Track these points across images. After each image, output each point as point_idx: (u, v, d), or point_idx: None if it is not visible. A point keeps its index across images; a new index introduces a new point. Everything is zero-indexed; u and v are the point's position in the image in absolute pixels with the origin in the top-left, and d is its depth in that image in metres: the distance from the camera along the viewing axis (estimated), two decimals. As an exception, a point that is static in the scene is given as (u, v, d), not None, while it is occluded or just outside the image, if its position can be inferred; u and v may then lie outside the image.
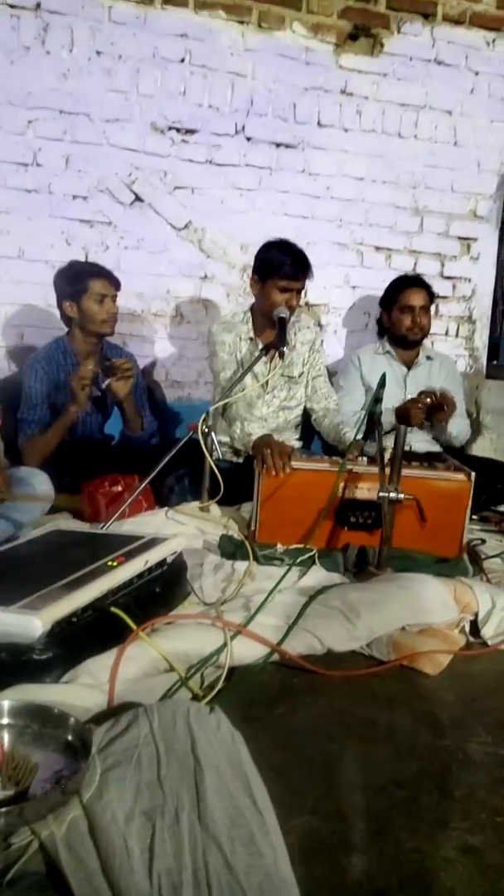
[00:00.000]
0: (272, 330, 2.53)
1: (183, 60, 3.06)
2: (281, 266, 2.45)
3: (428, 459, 2.32)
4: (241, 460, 2.60)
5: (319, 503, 1.98)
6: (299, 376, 2.66)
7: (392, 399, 2.79)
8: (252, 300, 2.68)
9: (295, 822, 0.99)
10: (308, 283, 2.56)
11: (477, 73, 3.44)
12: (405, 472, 2.01)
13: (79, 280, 2.49)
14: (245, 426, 2.44)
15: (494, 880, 0.92)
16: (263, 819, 0.93)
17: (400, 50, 3.32)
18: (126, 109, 3.02)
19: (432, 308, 2.99)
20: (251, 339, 2.59)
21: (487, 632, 1.65)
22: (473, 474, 2.05)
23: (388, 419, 2.45)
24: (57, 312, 2.64)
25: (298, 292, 2.53)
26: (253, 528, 2.09)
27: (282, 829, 0.93)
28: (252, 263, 2.62)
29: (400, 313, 2.87)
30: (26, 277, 2.99)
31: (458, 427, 2.80)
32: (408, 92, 3.37)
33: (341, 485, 2.02)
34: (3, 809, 0.90)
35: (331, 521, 2.05)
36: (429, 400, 2.60)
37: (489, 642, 1.63)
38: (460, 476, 2.06)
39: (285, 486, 2.05)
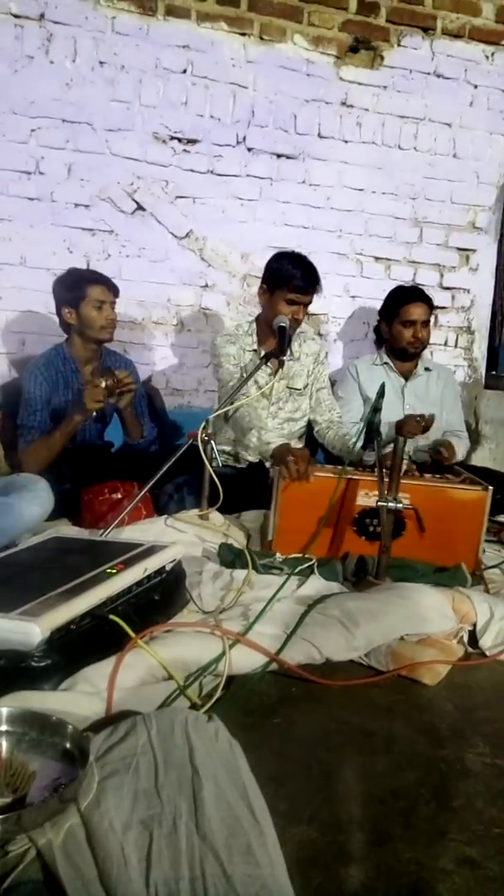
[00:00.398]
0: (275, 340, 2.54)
1: (185, 71, 3.08)
2: (291, 278, 2.45)
3: (441, 471, 2.32)
4: (243, 466, 2.60)
5: (336, 511, 1.99)
6: (304, 388, 2.66)
7: (390, 410, 2.78)
8: (256, 310, 2.69)
9: (293, 832, 0.99)
10: (315, 297, 2.55)
11: (476, 87, 3.48)
12: (424, 482, 2.01)
13: (77, 286, 2.50)
14: (262, 435, 2.42)
15: (492, 892, 0.92)
16: (261, 829, 0.93)
17: (400, 63, 3.36)
18: (128, 119, 3.04)
19: (431, 318, 2.99)
20: (255, 350, 2.59)
21: (486, 642, 1.64)
22: (491, 488, 2.05)
23: (387, 433, 2.45)
24: (57, 319, 2.64)
25: (306, 306, 2.53)
26: (270, 538, 2.09)
27: (279, 839, 0.93)
28: (253, 272, 2.64)
29: (401, 327, 2.83)
30: (28, 284, 3.00)
31: (459, 452, 2.78)
32: (407, 104, 3.40)
33: (360, 493, 2.02)
34: (1, 817, 0.89)
35: (350, 530, 2.04)
36: (425, 423, 2.61)
37: (487, 653, 1.63)
38: (478, 488, 2.05)
39: (305, 494, 2.03)
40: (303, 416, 2.69)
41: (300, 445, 2.72)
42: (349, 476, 2.05)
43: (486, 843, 1.01)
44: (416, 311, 2.83)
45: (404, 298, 2.86)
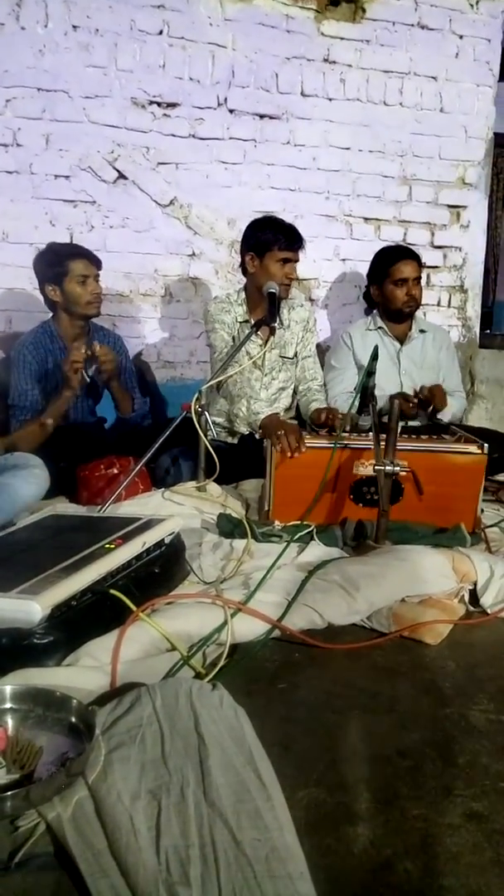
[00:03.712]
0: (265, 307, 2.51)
1: (161, 32, 3.00)
2: (277, 239, 2.45)
3: (437, 432, 2.30)
4: (235, 441, 2.59)
5: (333, 480, 1.98)
6: (294, 356, 2.64)
7: (386, 377, 2.76)
8: (242, 280, 2.65)
9: (300, 795, 1.00)
10: (301, 255, 2.55)
11: (461, 37, 3.39)
12: (421, 445, 2.01)
13: (59, 262, 2.45)
14: (251, 404, 2.41)
15: (499, 845, 0.93)
16: (268, 793, 0.93)
17: (382, 15, 3.26)
18: (105, 85, 2.96)
19: (422, 276, 2.93)
20: (247, 321, 2.57)
21: (486, 600, 1.65)
22: (486, 446, 2.03)
23: (384, 403, 2.44)
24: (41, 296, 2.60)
25: (296, 263, 2.53)
26: (267, 507, 2.08)
27: (287, 802, 0.94)
28: (240, 239, 2.60)
29: (394, 287, 2.76)
30: (11, 260, 2.96)
31: (451, 412, 2.77)
32: (391, 58, 3.31)
33: (357, 463, 2.01)
34: (10, 793, 0.90)
35: (347, 499, 2.03)
36: (416, 400, 2.60)
37: (488, 611, 1.64)
38: (475, 450, 2.03)
39: (300, 467, 2.01)
40: (292, 385, 2.68)
41: (290, 415, 2.72)
42: (346, 443, 2.03)
43: (491, 798, 1.02)
44: (407, 269, 2.75)
45: (393, 257, 2.79)
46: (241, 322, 2.57)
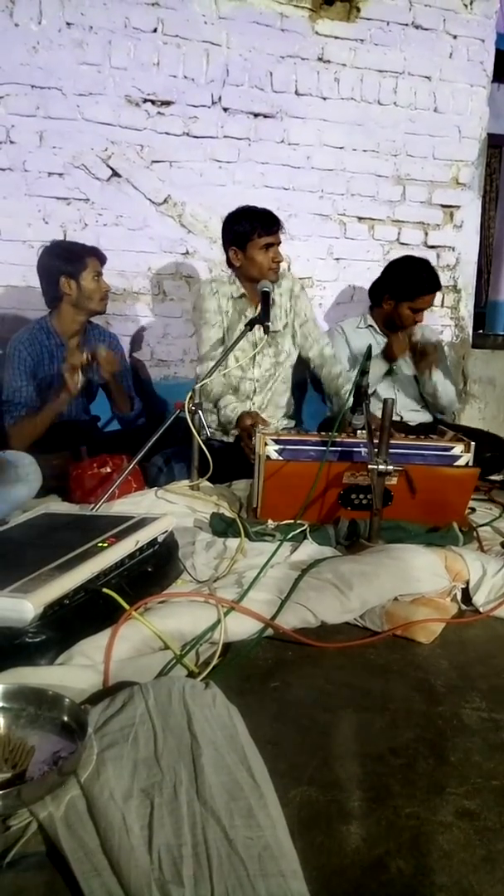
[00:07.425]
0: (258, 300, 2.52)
1: (155, 30, 2.99)
2: (255, 227, 2.47)
3: (424, 432, 2.31)
4: (230, 439, 2.58)
5: (319, 488, 1.97)
6: (284, 328, 2.64)
7: (373, 372, 2.80)
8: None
9: (293, 793, 1.00)
10: (282, 236, 2.55)
11: (455, 37, 3.39)
12: (414, 445, 2.02)
13: (77, 258, 2.48)
14: (225, 409, 2.44)
15: (491, 842, 0.93)
16: (261, 791, 0.93)
17: (377, 14, 3.26)
18: (99, 82, 2.95)
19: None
20: (241, 296, 2.57)
21: (479, 599, 1.65)
22: (473, 444, 2.02)
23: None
24: (37, 291, 2.59)
25: (278, 246, 2.54)
26: (255, 505, 2.07)
27: (280, 801, 0.94)
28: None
29: (410, 312, 2.81)
30: (4, 258, 2.94)
31: (444, 386, 2.83)
32: (386, 58, 3.31)
33: (346, 474, 2.00)
34: (1, 792, 0.89)
35: (336, 502, 2.03)
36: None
37: (481, 609, 1.64)
38: (464, 453, 2.04)
39: (289, 477, 1.98)
40: (288, 356, 2.67)
41: (288, 413, 2.72)
42: (336, 448, 2.01)
43: (484, 795, 1.02)
44: (429, 300, 2.83)
45: (424, 287, 2.78)
46: (232, 298, 2.57)
